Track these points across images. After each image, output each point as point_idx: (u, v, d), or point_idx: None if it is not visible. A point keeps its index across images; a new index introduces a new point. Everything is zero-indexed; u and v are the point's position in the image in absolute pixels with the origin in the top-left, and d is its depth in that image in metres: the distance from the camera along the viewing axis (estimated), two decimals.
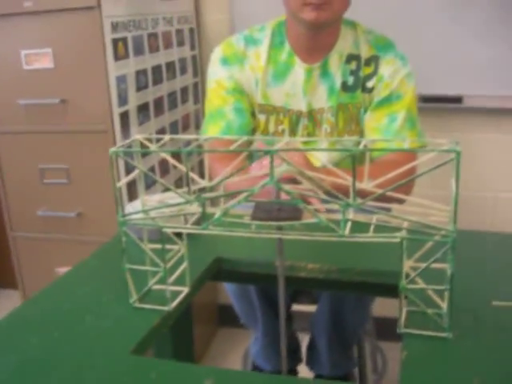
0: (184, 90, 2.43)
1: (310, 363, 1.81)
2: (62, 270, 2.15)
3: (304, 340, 1.88)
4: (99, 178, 2.00)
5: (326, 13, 1.47)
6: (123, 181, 0.95)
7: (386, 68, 1.59)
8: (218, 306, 2.79)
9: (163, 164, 2.24)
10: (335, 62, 1.60)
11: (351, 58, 1.61)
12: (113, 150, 0.88)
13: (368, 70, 1.60)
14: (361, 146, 0.81)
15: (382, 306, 2.01)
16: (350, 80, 1.61)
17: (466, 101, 2.28)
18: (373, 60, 1.60)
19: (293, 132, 1.63)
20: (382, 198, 0.81)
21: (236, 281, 1.43)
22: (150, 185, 2.13)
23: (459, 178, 0.77)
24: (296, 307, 1.91)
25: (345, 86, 1.61)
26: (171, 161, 0.90)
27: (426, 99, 2.30)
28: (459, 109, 2.31)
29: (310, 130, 1.64)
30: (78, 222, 2.11)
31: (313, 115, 1.63)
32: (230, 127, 1.61)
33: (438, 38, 2.21)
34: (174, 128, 2.35)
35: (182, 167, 0.88)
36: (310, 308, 1.89)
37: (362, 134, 1.65)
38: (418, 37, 2.22)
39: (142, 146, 0.93)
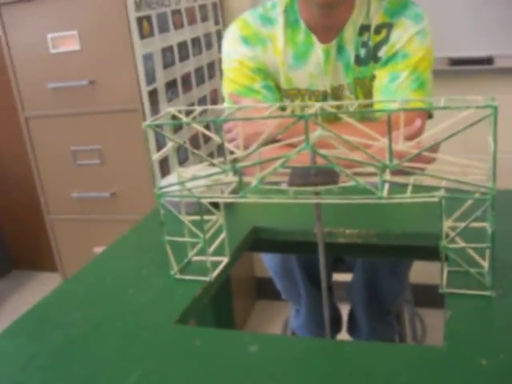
0: (210, 65, 2.43)
1: (351, 331, 1.82)
2: (100, 249, 2.18)
3: (344, 309, 1.89)
4: (131, 157, 2.02)
5: None
6: (158, 153, 0.95)
7: (396, 32, 1.48)
8: (256, 278, 2.81)
9: (194, 139, 2.25)
10: (349, 36, 1.52)
11: (363, 29, 1.51)
12: (146, 123, 0.88)
13: (378, 38, 1.50)
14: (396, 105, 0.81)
15: (419, 273, 2.01)
16: (362, 52, 1.52)
17: (497, 61, 2.23)
18: (385, 27, 1.50)
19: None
20: (416, 160, 0.81)
21: (274, 250, 1.43)
22: (182, 160, 2.14)
23: (497, 134, 0.76)
24: (335, 277, 1.91)
25: (358, 60, 1.53)
26: (205, 132, 0.90)
27: (453, 62, 2.26)
28: (490, 70, 2.26)
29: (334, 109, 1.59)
30: (112, 201, 2.13)
31: (335, 94, 1.57)
32: (267, 102, 1.52)
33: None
34: (202, 103, 2.35)
35: (216, 138, 0.89)
36: (349, 277, 1.90)
37: None
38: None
39: (174, 118, 0.94)
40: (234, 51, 1.56)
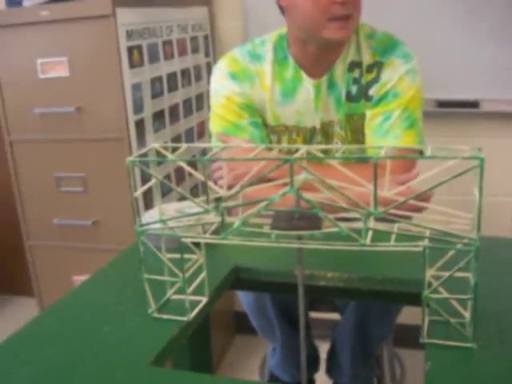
0: (199, 97, 2.43)
1: (331, 372, 1.79)
2: (80, 278, 2.15)
3: (322, 347, 1.87)
4: (115, 186, 2.00)
5: (348, 30, 1.41)
6: (140, 190, 0.94)
7: (386, 72, 1.50)
8: (235, 313, 2.78)
9: (179, 172, 2.24)
10: (340, 72, 1.53)
11: (354, 65, 1.53)
12: (130, 159, 0.87)
13: (370, 77, 1.52)
14: (383, 153, 0.80)
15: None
16: (354, 89, 1.53)
17: (482, 105, 2.26)
18: (375, 66, 1.51)
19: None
20: (403, 207, 0.80)
21: (254, 289, 1.41)
22: (165, 193, 2.13)
23: (482, 185, 0.76)
24: (314, 314, 1.89)
25: (349, 96, 1.54)
26: (188, 169, 0.89)
27: (441, 104, 2.29)
28: (476, 113, 2.29)
29: (323, 145, 1.59)
30: (94, 230, 2.11)
31: (325, 130, 1.57)
32: (254, 139, 1.53)
33: (454, 41, 2.19)
34: (189, 135, 2.34)
35: (199, 176, 0.87)
36: (329, 315, 1.88)
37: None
38: (432, 40, 2.21)
39: (159, 154, 0.93)
40: (221, 87, 1.56)
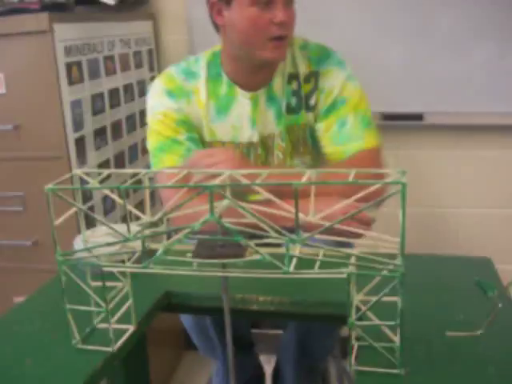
0: (143, 113, 2.38)
1: None
2: (20, 299, 2.09)
3: (269, 362, 1.85)
4: (55, 206, 1.95)
5: (285, 49, 1.45)
6: (61, 219, 0.91)
7: (325, 80, 1.53)
8: (183, 329, 2.74)
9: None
10: (278, 85, 1.55)
11: (291, 77, 1.55)
12: (48, 187, 0.84)
13: (308, 87, 1.55)
14: (304, 179, 0.79)
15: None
16: (293, 101, 1.56)
17: (426, 118, 2.29)
18: (312, 76, 1.55)
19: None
20: (334, 232, 0.79)
21: (188, 312, 1.39)
22: (109, 210, 2.09)
23: (405, 210, 0.75)
24: (259, 330, 1.87)
25: (289, 108, 1.56)
26: (112, 197, 0.86)
27: (386, 117, 2.31)
28: (420, 126, 2.32)
29: (262, 158, 1.59)
30: (34, 250, 2.05)
31: (264, 143, 1.58)
32: (190, 154, 1.50)
33: (398, 55, 2.22)
34: (133, 151, 2.31)
35: (121, 202, 0.85)
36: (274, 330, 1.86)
37: (310, 154, 1.61)
38: (377, 54, 2.22)
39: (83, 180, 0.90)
40: (158, 104, 1.56)
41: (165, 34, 2.54)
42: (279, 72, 1.54)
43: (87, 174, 0.89)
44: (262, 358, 1.86)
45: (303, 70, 1.55)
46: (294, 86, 1.55)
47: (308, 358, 1.63)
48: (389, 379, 0.83)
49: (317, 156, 1.62)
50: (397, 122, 2.32)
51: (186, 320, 1.59)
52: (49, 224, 2.00)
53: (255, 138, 1.57)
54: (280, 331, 1.75)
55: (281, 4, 1.38)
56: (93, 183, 0.86)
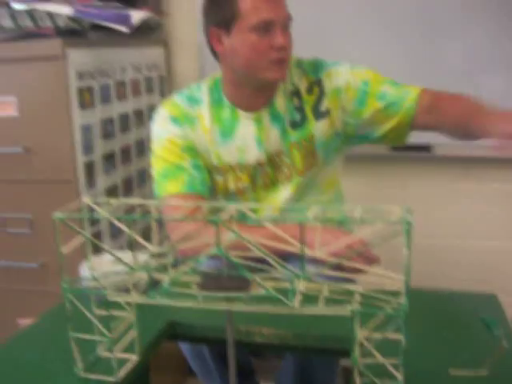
0: None
1: None
2: (25, 321, 2.10)
3: None
4: (63, 230, 1.96)
5: (285, 70, 1.48)
6: (68, 248, 0.92)
7: (330, 82, 1.56)
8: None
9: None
10: (281, 103, 1.57)
11: (293, 94, 1.58)
12: (57, 216, 0.85)
13: (313, 98, 1.57)
14: (311, 215, 0.79)
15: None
16: (297, 116, 1.58)
17: (434, 149, 2.29)
18: (314, 85, 1.57)
19: (254, 184, 1.60)
20: (339, 266, 0.79)
21: (191, 342, 1.39)
22: (116, 235, 2.10)
23: (411, 248, 0.75)
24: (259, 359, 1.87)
25: (294, 124, 1.58)
26: (120, 226, 0.87)
27: (394, 148, 2.31)
28: (428, 157, 2.32)
29: (271, 176, 1.60)
30: (41, 272, 2.06)
31: (272, 161, 1.60)
32: (193, 182, 1.54)
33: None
34: (141, 176, 2.32)
35: (129, 232, 0.86)
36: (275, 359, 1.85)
37: (318, 165, 1.61)
38: None
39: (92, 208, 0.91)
40: (163, 131, 1.58)
41: (176, 60, 2.56)
42: (280, 91, 1.57)
43: (96, 202, 0.90)
44: None
45: (303, 84, 1.58)
46: (296, 102, 1.58)
47: None
48: None
49: (325, 166, 1.64)
50: (405, 153, 2.32)
51: (185, 347, 1.59)
52: (56, 247, 2.01)
53: (262, 158, 1.58)
54: (281, 360, 1.75)
55: (279, 29, 1.43)
56: (101, 212, 0.87)
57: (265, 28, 1.43)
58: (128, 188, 2.22)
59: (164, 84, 2.52)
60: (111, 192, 2.10)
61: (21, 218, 2.03)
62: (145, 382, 1.31)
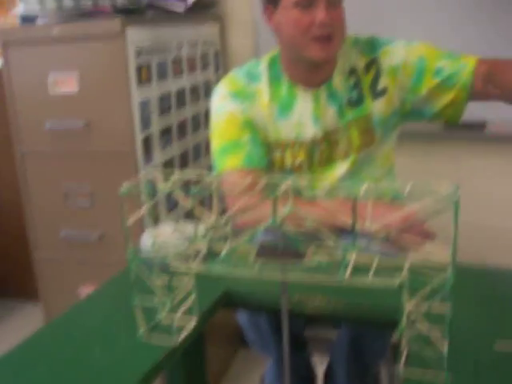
0: (208, 113, 2.45)
1: None
2: (85, 289, 2.19)
3: (322, 363, 1.88)
4: (120, 202, 2.03)
5: (332, 47, 1.49)
6: (132, 218, 0.97)
7: (387, 60, 1.58)
8: (238, 326, 2.80)
9: (183, 189, 2.27)
10: (339, 82, 1.60)
11: (350, 72, 1.60)
12: (123, 190, 0.90)
13: (370, 77, 1.59)
14: (363, 190, 0.83)
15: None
16: (354, 95, 1.60)
17: (489, 127, 2.26)
18: (371, 64, 1.59)
19: (310, 161, 1.63)
20: (391, 241, 0.83)
21: (246, 309, 1.45)
22: (172, 207, 2.16)
23: (457, 224, 0.78)
24: (313, 331, 1.91)
25: (351, 102, 1.60)
26: (180, 199, 0.92)
27: (448, 126, 2.29)
28: (482, 136, 2.30)
29: (327, 153, 1.63)
30: (100, 243, 2.14)
31: (328, 138, 1.62)
32: (251, 157, 1.57)
33: None
34: (197, 151, 2.38)
35: (188, 205, 0.91)
36: (327, 332, 1.89)
37: (375, 142, 1.64)
38: None
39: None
40: (222, 106, 1.62)
41: (231, 37, 2.60)
42: (339, 69, 1.59)
43: (157, 174, 0.95)
44: (315, 359, 1.90)
45: (360, 63, 1.59)
46: (354, 80, 1.60)
47: (360, 360, 1.66)
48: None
49: (382, 143, 1.66)
50: (458, 132, 2.31)
51: (242, 317, 1.64)
52: (115, 218, 2.10)
53: (319, 135, 1.61)
54: (334, 332, 1.78)
55: (322, 5, 1.44)
56: (164, 185, 0.92)
57: (308, 3, 1.44)
58: (184, 162, 2.28)
59: (219, 60, 2.56)
60: (167, 166, 2.17)
61: (82, 189, 2.11)
62: (200, 349, 1.37)
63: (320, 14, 1.44)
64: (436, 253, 0.84)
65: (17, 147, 2.17)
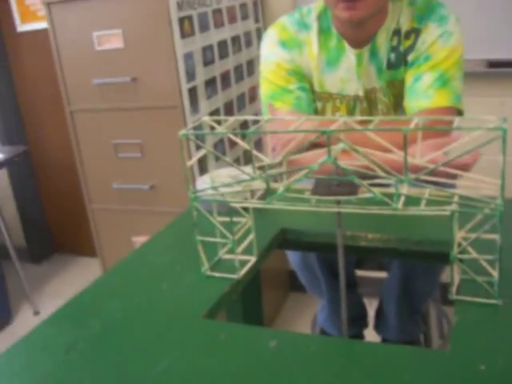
0: (250, 63, 2.50)
1: (378, 328, 1.87)
2: (138, 239, 2.28)
3: (371, 304, 1.94)
4: (171, 152, 2.10)
5: (359, 11, 1.44)
6: (192, 161, 1.02)
7: (424, 36, 1.52)
8: (290, 271, 2.87)
9: (220, 144, 2.32)
10: (382, 41, 1.56)
11: (394, 33, 1.56)
12: (182, 132, 0.95)
13: (408, 43, 1.55)
14: (413, 125, 0.86)
15: (447, 272, 2.05)
16: (392, 57, 1.57)
17: None
18: (413, 32, 1.54)
19: (351, 116, 1.62)
20: (436, 173, 0.86)
21: (300, 249, 1.50)
22: (217, 158, 2.21)
23: (505, 154, 0.81)
24: (362, 273, 1.96)
25: (389, 64, 1.57)
26: (237, 141, 0.97)
27: (491, 64, 2.28)
28: None
29: (367, 112, 1.64)
30: (151, 193, 2.22)
31: (368, 97, 1.62)
32: (300, 103, 1.59)
33: (504, 1, 2.18)
34: (241, 100, 2.42)
35: (246, 146, 0.95)
36: (377, 273, 1.95)
37: None
38: (480, 1, 2.20)
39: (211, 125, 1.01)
40: (272, 54, 1.62)
41: None
42: (384, 28, 1.56)
43: (216, 120, 0.99)
44: (366, 299, 1.96)
45: (405, 26, 1.55)
46: (395, 41, 1.56)
47: (410, 298, 1.71)
48: (486, 309, 0.90)
49: None
50: (502, 69, 2.29)
51: (294, 259, 1.70)
52: (165, 169, 2.16)
53: (361, 92, 1.61)
54: (383, 273, 1.83)
55: None
56: (221, 129, 0.97)
57: None
58: (229, 112, 2.32)
59: (258, 10, 2.58)
60: (214, 116, 2.21)
61: (131, 143, 2.18)
62: (257, 287, 1.44)
63: None
64: (485, 185, 0.88)
65: (66, 106, 2.24)
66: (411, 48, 1.55)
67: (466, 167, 1.30)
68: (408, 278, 1.65)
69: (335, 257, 1.01)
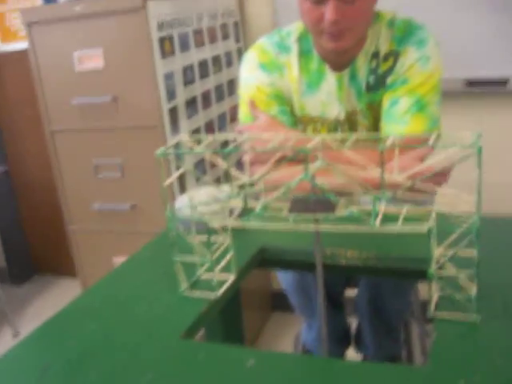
0: (230, 83, 2.50)
1: (358, 346, 1.87)
2: (119, 259, 2.26)
3: (351, 323, 1.94)
4: (151, 172, 2.09)
5: (344, 42, 1.44)
6: (169, 180, 1.02)
7: (402, 59, 1.51)
8: (272, 291, 2.87)
9: (200, 164, 2.31)
10: (361, 64, 1.55)
11: (373, 56, 1.55)
12: (160, 152, 0.95)
13: (386, 65, 1.53)
14: (389, 142, 0.87)
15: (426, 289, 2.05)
16: (372, 79, 1.55)
17: (511, 83, 2.27)
18: (392, 55, 1.53)
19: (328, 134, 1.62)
20: (414, 190, 0.87)
21: (280, 268, 1.50)
22: (200, 176, 2.21)
23: (481, 171, 0.82)
24: (347, 293, 1.96)
25: (368, 86, 1.56)
26: (213, 160, 0.96)
27: (470, 83, 2.30)
28: (504, 92, 2.30)
29: (348, 134, 1.62)
30: (132, 213, 2.21)
31: (349, 119, 1.60)
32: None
33: (482, 18, 2.20)
34: (222, 120, 2.42)
35: (224, 165, 0.95)
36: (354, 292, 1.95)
37: None
38: (458, 20, 2.22)
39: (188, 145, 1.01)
40: (251, 77, 1.60)
41: (250, 7, 2.62)
42: (364, 51, 1.55)
43: (193, 139, 0.99)
44: (349, 319, 1.96)
45: (384, 48, 1.53)
46: (374, 64, 1.55)
47: (381, 317, 1.71)
48: (465, 325, 0.91)
49: None
50: (481, 88, 2.31)
51: (287, 279, 1.69)
52: (145, 189, 2.15)
53: (342, 115, 1.60)
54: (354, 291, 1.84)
55: (332, 4, 1.37)
56: (199, 148, 0.96)
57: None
58: (210, 131, 2.32)
59: (239, 30, 2.59)
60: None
61: (111, 163, 2.17)
62: (237, 305, 1.43)
63: (328, 13, 1.38)
64: (462, 201, 0.88)
65: (46, 126, 2.23)
66: (390, 70, 1.53)
67: (445, 172, 1.29)
68: (375, 295, 1.66)
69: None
